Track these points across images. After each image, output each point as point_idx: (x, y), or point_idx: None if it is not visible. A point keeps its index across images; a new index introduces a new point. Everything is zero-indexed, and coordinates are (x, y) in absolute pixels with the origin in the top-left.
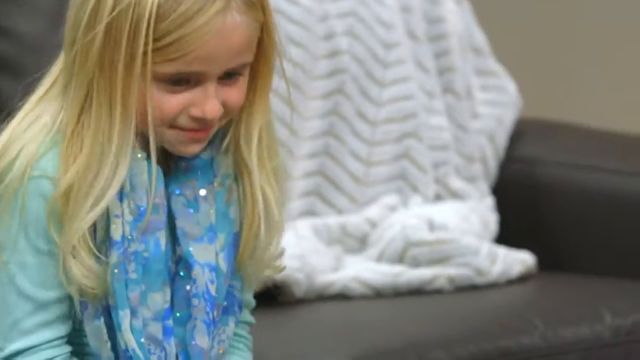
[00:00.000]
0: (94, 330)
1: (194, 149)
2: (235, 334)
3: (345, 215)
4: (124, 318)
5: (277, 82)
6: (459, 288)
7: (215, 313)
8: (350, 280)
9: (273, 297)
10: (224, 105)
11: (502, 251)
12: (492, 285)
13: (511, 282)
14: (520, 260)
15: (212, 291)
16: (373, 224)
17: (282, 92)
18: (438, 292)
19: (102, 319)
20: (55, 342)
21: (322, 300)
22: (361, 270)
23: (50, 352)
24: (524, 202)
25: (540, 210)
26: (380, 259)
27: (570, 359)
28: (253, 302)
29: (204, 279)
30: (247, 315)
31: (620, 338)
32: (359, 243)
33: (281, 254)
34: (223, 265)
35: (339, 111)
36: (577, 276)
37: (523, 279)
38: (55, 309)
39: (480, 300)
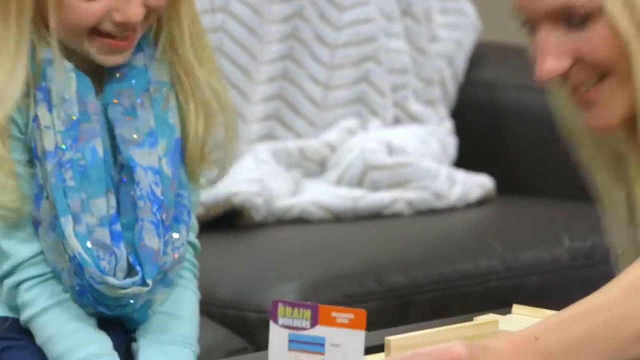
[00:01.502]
0: (50, 244)
1: (117, 59)
2: None
3: (304, 139)
4: (66, 224)
5: (235, 5)
6: (418, 211)
7: (164, 216)
8: (310, 204)
9: (232, 222)
10: (146, 6)
11: (461, 175)
12: (451, 209)
13: (470, 206)
14: (479, 183)
15: (158, 193)
16: (332, 148)
17: (240, 14)
18: (397, 215)
19: (55, 232)
20: (36, 259)
21: (281, 224)
22: (320, 194)
23: (32, 270)
24: (483, 126)
25: (500, 134)
26: (339, 182)
27: (529, 281)
28: (195, 224)
29: (147, 181)
30: (190, 236)
31: (579, 261)
32: (318, 167)
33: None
34: (167, 170)
35: (298, 35)
36: (536, 199)
37: (482, 202)
38: (27, 226)
39: (439, 224)
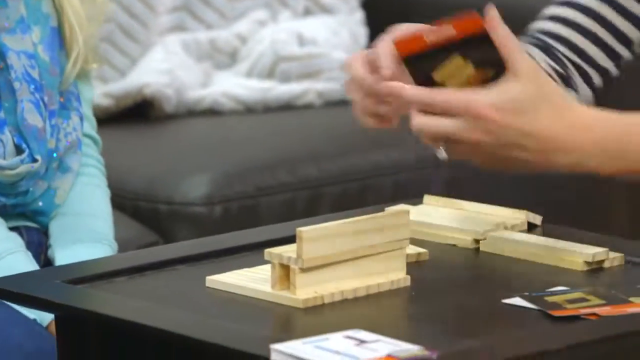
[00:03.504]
0: None
1: None
2: (85, 155)
3: (214, 31)
4: None
5: None
6: (328, 103)
7: (45, 98)
8: (220, 95)
9: (143, 113)
10: None
11: None
12: None
13: None
14: None
15: (34, 75)
16: (242, 39)
17: None
18: (308, 106)
19: None
20: None
21: (192, 115)
22: (231, 86)
23: None
24: (393, 16)
25: (410, 23)
26: (250, 74)
27: (441, 172)
28: (93, 119)
29: (20, 63)
30: (88, 129)
31: None
32: (228, 58)
33: (97, 46)
34: (44, 56)
35: None
36: None
37: None
38: None
39: (349, 115)
